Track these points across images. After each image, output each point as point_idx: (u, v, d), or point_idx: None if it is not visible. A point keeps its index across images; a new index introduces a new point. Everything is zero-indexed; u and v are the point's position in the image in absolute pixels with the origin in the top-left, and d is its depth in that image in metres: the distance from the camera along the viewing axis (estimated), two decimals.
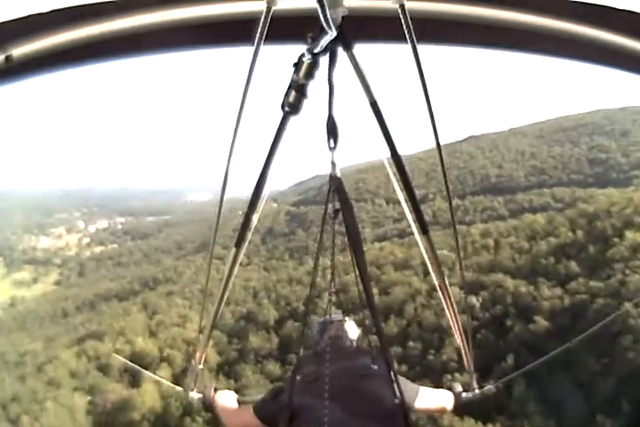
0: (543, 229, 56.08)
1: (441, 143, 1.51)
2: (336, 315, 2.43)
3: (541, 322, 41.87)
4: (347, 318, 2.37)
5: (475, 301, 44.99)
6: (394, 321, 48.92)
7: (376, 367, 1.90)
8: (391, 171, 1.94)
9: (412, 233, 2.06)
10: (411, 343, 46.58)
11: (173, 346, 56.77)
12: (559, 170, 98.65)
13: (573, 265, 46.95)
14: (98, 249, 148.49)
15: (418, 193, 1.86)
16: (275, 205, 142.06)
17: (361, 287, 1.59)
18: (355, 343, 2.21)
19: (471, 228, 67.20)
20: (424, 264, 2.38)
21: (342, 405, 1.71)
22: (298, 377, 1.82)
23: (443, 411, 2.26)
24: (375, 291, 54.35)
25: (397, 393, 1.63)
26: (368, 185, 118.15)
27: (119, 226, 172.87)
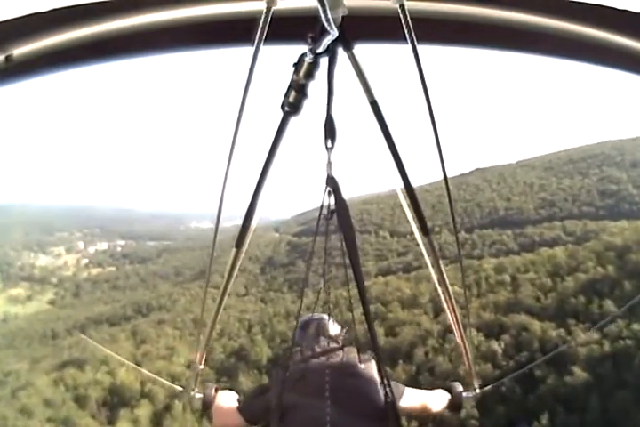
0: (566, 263, 52.09)
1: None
2: (319, 313, 2.39)
3: (579, 373, 36.02)
4: (328, 316, 2.31)
5: (496, 346, 39.62)
6: (402, 367, 44.07)
7: (363, 366, 1.89)
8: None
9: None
10: None
11: (156, 381, 52.28)
12: (569, 202, 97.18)
13: (609, 304, 41.89)
14: (95, 271, 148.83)
15: None
16: (276, 234, 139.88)
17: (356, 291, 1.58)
18: (340, 341, 2.16)
19: (483, 262, 63.35)
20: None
21: (331, 403, 1.70)
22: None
23: (428, 411, 2.19)
24: (381, 331, 50.48)
25: (388, 391, 1.66)
26: (372, 217, 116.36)
27: (119, 248, 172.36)
